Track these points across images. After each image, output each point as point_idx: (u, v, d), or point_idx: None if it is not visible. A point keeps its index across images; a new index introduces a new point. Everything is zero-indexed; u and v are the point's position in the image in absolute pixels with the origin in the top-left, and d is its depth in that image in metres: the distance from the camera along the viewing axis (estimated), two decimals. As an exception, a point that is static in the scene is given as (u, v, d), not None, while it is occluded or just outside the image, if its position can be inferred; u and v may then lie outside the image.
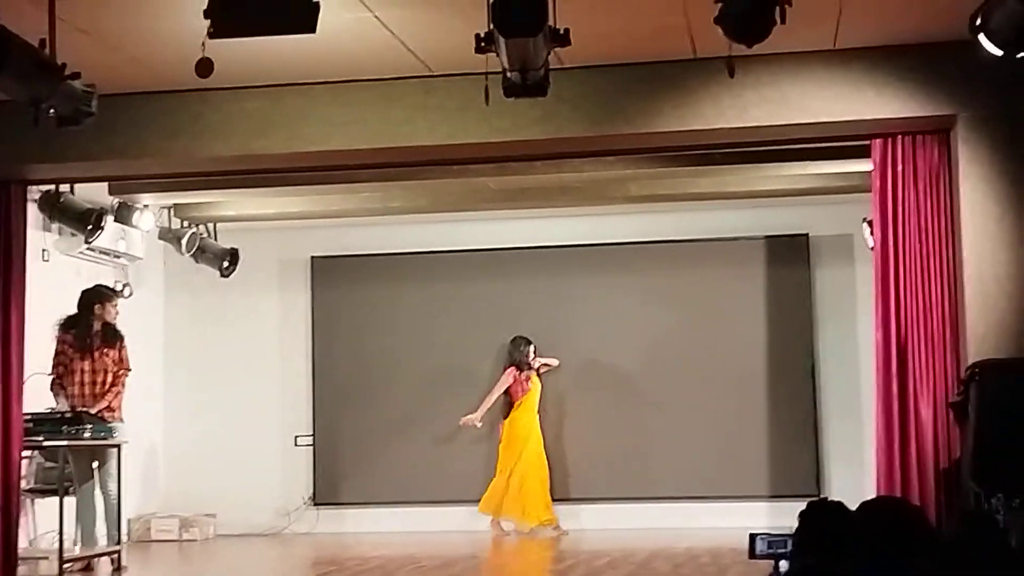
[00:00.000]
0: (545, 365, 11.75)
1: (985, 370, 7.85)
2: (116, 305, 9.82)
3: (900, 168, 8.48)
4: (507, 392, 11.63)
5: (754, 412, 11.69)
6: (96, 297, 9.73)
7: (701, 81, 8.21)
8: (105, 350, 9.59)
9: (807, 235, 11.78)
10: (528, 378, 11.64)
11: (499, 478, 11.50)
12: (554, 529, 11.37)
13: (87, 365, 9.55)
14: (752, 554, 4.80)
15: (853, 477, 10.66)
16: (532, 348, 11.66)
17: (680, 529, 11.08)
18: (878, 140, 8.55)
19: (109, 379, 9.56)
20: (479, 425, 11.62)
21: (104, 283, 10.27)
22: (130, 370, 9.71)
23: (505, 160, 9.27)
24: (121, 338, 9.72)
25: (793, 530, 4.52)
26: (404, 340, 12.19)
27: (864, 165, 8.95)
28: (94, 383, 9.53)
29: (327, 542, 11.38)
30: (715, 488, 11.55)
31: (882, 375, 8.41)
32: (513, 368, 11.66)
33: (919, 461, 8.19)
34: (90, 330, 9.60)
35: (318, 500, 12.16)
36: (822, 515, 4.51)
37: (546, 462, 11.59)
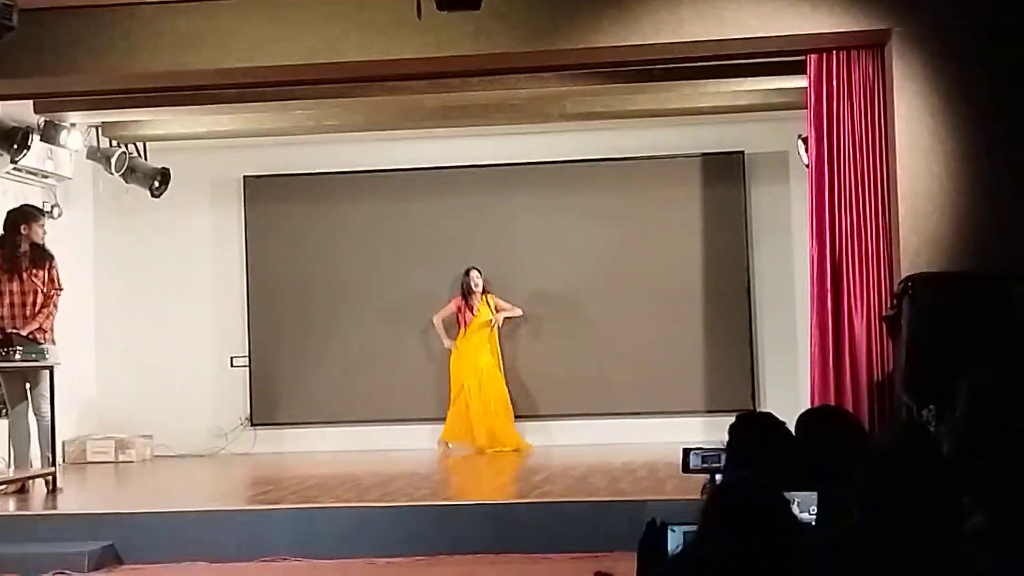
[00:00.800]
0: (502, 310, 11.66)
1: (918, 284, 7.94)
2: (43, 225, 9.64)
3: (835, 84, 8.50)
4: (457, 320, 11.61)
5: (690, 329, 11.76)
6: (22, 218, 9.54)
7: (638, -5, 8.15)
8: (34, 271, 9.43)
9: (743, 152, 11.80)
10: (471, 306, 11.58)
11: (452, 406, 11.49)
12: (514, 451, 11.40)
13: (16, 286, 9.40)
14: (686, 468, 4.82)
15: (788, 392, 10.77)
16: (476, 274, 11.58)
17: (618, 444, 11.16)
18: (813, 56, 8.57)
19: (39, 299, 9.42)
20: (447, 347, 11.60)
21: (31, 203, 10.06)
22: (62, 290, 9.56)
23: (439, 77, 9.18)
24: (51, 258, 9.55)
25: (725, 444, 4.55)
26: (339, 260, 12.12)
27: (800, 81, 8.96)
28: (24, 304, 9.39)
29: (265, 462, 11.36)
30: (652, 404, 11.64)
31: (817, 290, 8.48)
32: (458, 296, 11.62)
33: (853, 374, 8.30)
34: (17, 250, 9.43)
35: (255, 420, 12.13)
36: (752, 427, 4.54)
37: (502, 386, 11.57)
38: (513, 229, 12.00)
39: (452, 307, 11.63)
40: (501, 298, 11.76)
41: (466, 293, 11.59)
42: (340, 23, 8.38)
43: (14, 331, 9.13)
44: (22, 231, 9.47)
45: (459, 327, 11.61)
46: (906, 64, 8.20)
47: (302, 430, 12.08)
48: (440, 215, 12.05)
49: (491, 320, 11.58)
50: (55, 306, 9.51)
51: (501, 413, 11.50)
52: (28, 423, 9.34)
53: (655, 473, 8.94)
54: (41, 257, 9.50)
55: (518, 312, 11.75)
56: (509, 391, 11.66)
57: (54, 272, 9.53)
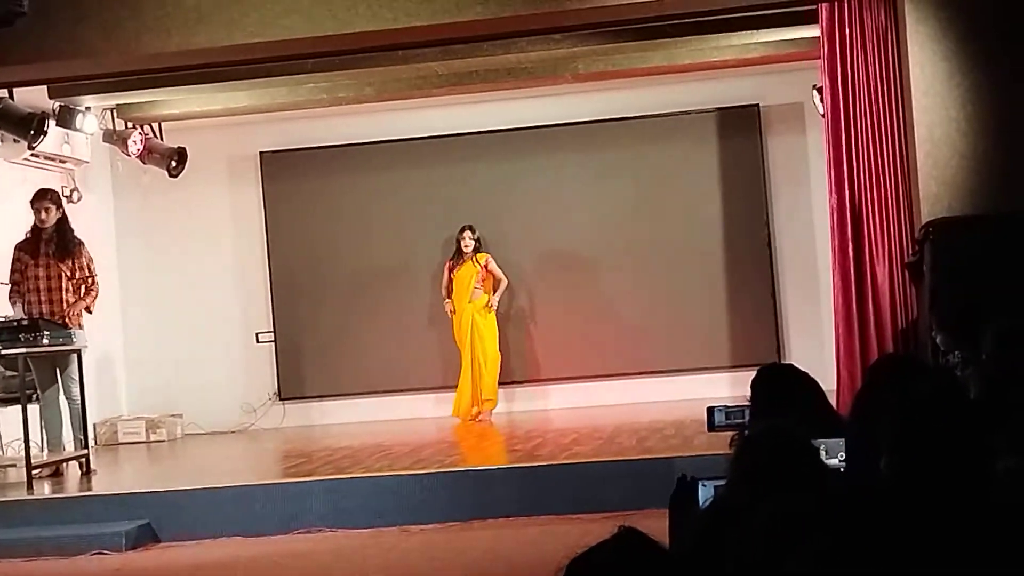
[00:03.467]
0: (491, 274, 11.52)
1: (939, 229, 7.89)
2: (48, 207, 9.56)
3: (848, 32, 8.45)
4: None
5: (712, 284, 11.72)
6: (30, 205, 9.59)
7: (646, -49, 8.08)
8: (59, 259, 9.48)
9: (758, 105, 11.72)
10: (458, 265, 11.48)
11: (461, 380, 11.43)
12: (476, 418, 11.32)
13: (41, 272, 9.46)
14: (711, 427, 4.82)
15: (813, 343, 10.75)
16: (469, 234, 11.43)
17: (644, 403, 11.18)
18: (825, 4, 8.52)
19: (65, 284, 9.46)
20: (448, 311, 11.50)
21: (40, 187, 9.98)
22: (95, 275, 9.62)
23: (449, 43, 9.13)
24: (79, 243, 9.60)
25: (748, 398, 4.54)
26: (358, 231, 12.11)
27: (812, 31, 8.90)
28: (49, 289, 9.44)
29: (295, 436, 11.41)
30: (677, 362, 11.62)
31: (838, 239, 8.46)
32: (448, 260, 11.58)
33: (877, 322, 8.28)
34: (39, 235, 9.49)
35: (283, 395, 12.16)
36: (774, 379, 4.53)
37: (487, 349, 11.41)
38: (531, 193, 11.96)
39: (444, 271, 11.56)
40: (515, 263, 11.71)
41: (455, 253, 11.53)
42: (348, -6, 8.34)
43: (41, 316, 9.19)
44: (34, 215, 9.53)
45: (449, 290, 11.52)
46: (918, 8, 8.12)
47: (330, 403, 12.11)
48: (456, 182, 12.02)
49: (475, 289, 11.40)
50: (96, 290, 9.60)
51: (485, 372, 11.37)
52: (59, 407, 9.39)
53: (683, 430, 8.94)
54: (69, 244, 9.54)
55: (502, 281, 11.54)
56: (508, 354, 11.56)
57: (83, 259, 9.57)
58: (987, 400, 4.53)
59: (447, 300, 11.50)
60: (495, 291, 11.50)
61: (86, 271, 9.59)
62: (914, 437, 3.14)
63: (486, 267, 11.49)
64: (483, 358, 11.34)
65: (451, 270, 11.49)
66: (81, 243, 9.64)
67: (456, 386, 11.49)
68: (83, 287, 9.58)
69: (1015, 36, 8.01)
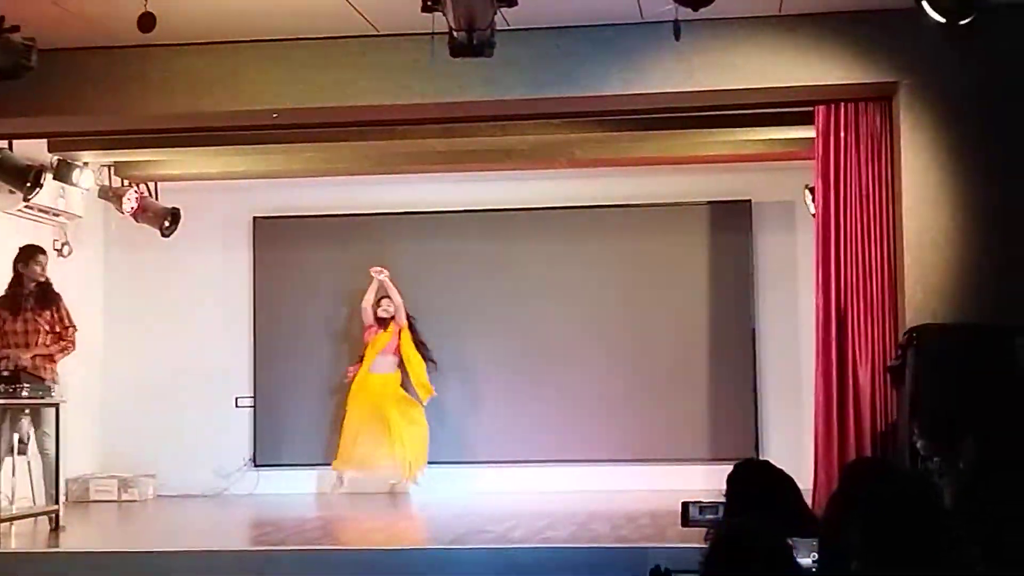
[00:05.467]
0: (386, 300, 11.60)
1: (923, 335, 7.96)
2: (40, 261, 9.62)
3: (843, 135, 8.58)
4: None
5: (694, 376, 11.76)
6: (18, 258, 9.59)
7: (647, 44, 8.25)
8: (39, 311, 9.48)
9: (750, 201, 11.83)
10: (377, 331, 11.58)
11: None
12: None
13: (19, 326, 9.44)
14: (685, 521, 4.84)
15: (792, 441, 10.74)
16: (385, 300, 11.57)
17: (620, 491, 11.15)
18: (822, 107, 8.65)
19: (42, 338, 9.45)
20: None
21: (29, 242, 9.92)
22: (74, 327, 9.63)
23: (449, 121, 9.27)
24: (58, 298, 9.61)
25: (723, 493, 4.58)
26: (346, 303, 12.13)
27: (807, 132, 9.03)
28: (27, 344, 9.43)
29: (267, 503, 11.35)
30: (655, 451, 11.61)
31: (821, 339, 8.52)
32: (371, 326, 11.64)
33: (856, 423, 8.32)
34: (20, 290, 9.48)
35: (258, 461, 12.12)
36: (750, 475, 4.57)
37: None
38: (519, 274, 12.00)
39: (367, 334, 11.62)
40: (497, 343, 11.81)
41: (377, 320, 11.58)
42: (351, 66, 8.47)
43: (24, 367, 9.18)
44: (20, 270, 9.52)
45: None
46: (914, 117, 8.27)
47: (304, 472, 12.05)
48: (446, 259, 12.07)
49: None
50: (72, 343, 9.58)
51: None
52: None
53: (658, 520, 8.93)
54: (48, 298, 9.55)
55: (396, 301, 11.58)
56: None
57: (62, 312, 9.58)
58: (962, 509, 4.57)
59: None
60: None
61: (66, 321, 9.59)
62: (884, 541, 3.18)
63: (399, 334, 11.54)
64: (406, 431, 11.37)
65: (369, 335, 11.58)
66: (59, 296, 9.65)
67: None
68: (60, 339, 9.55)
69: (1009, 151, 8.14)
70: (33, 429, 9.29)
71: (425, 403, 11.58)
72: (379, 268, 11.62)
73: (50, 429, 9.26)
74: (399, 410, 11.45)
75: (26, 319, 9.45)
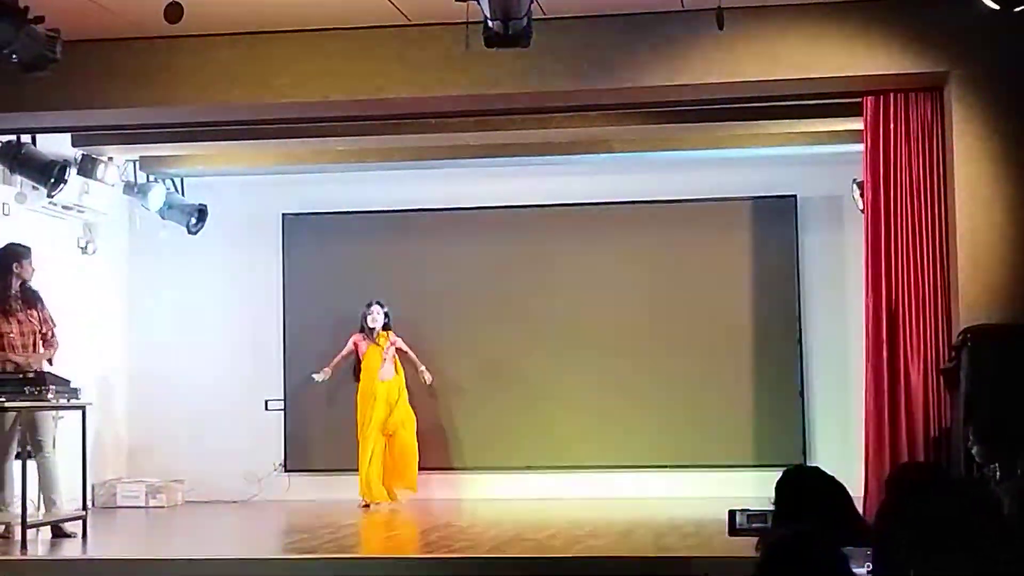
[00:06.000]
0: (402, 352, 11.57)
1: (977, 336, 7.87)
2: (32, 262, 9.58)
3: (892, 127, 8.50)
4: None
5: (739, 379, 11.69)
6: (13, 257, 9.49)
7: (690, 34, 8.20)
8: (28, 310, 9.46)
9: (795, 196, 11.75)
10: (368, 343, 11.51)
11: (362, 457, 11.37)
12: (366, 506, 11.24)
13: (15, 327, 9.41)
14: (732, 530, 4.79)
15: (841, 446, 10.68)
16: (376, 310, 11.48)
17: (663, 499, 11.09)
18: (870, 98, 8.57)
19: (37, 339, 9.44)
20: (316, 379, 11.54)
21: (17, 242, 9.70)
22: (55, 326, 9.58)
23: (484, 114, 9.24)
24: (40, 297, 9.55)
25: (772, 501, 4.52)
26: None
27: (855, 123, 8.95)
28: (24, 346, 9.39)
29: (299, 509, 11.35)
30: (699, 457, 11.55)
31: (872, 340, 8.44)
32: (357, 333, 11.57)
33: (908, 428, 8.24)
34: (9, 291, 9.39)
35: (289, 466, 12.13)
36: (799, 483, 4.51)
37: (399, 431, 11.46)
38: (556, 271, 11.97)
39: (349, 343, 11.54)
40: (536, 342, 11.77)
41: (364, 329, 11.52)
42: (383, 58, 8.45)
43: (49, 371, 9.17)
44: (14, 270, 9.44)
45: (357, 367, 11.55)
46: (965, 107, 8.17)
47: (336, 477, 12.04)
48: (480, 255, 12.04)
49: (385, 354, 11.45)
50: (57, 343, 9.56)
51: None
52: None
53: (703, 530, 8.88)
54: (34, 296, 9.52)
55: (427, 378, 11.59)
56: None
57: (47, 312, 9.55)
58: (1021, 516, 4.51)
59: (325, 369, 11.56)
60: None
61: (50, 322, 9.57)
62: (942, 552, 3.12)
63: (394, 345, 11.51)
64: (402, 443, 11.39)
65: (363, 346, 11.52)
66: (40, 294, 9.62)
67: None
68: (45, 339, 9.52)
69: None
70: (31, 433, 9.24)
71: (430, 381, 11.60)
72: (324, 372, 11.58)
73: (46, 435, 9.24)
74: (399, 419, 11.44)
75: (20, 320, 9.40)
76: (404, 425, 11.48)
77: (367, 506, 11.20)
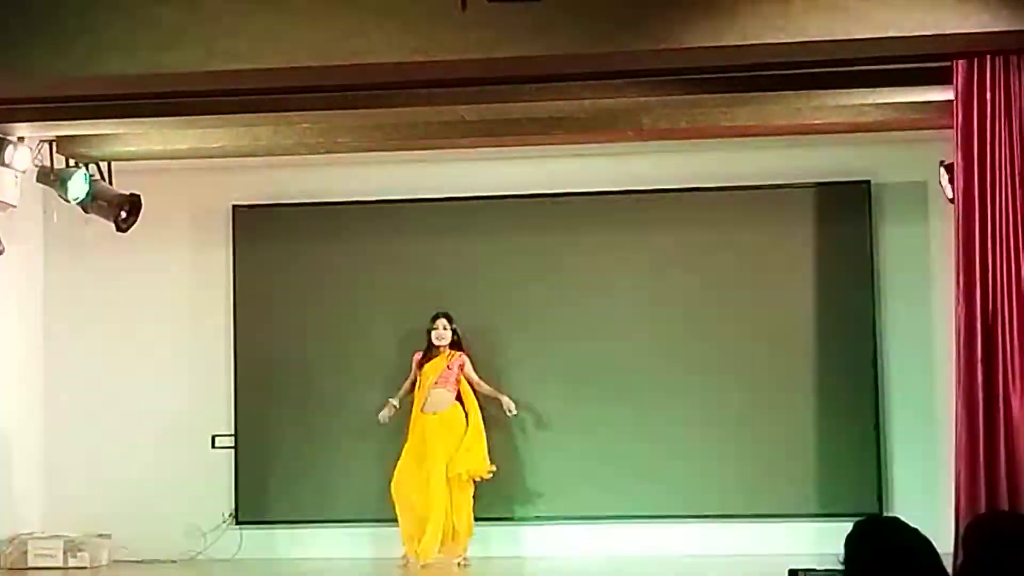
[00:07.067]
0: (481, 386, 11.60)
1: (1094, 354, 7.94)
2: None
3: (989, 96, 8.55)
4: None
5: (799, 409, 11.73)
6: None
7: (738, -16, 8.25)
8: None
9: (868, 182, 11.82)
10: (428, 359, 11.57)
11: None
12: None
13: None
14: (794, 594, 4.89)
15: (925, 492, 10.76)
16: (442, 324, 11.54)
17: (711, 556, 11.16)
18: (961, 62, 8.62)
19: None
20: (381, 419, 11.59)
21: None
22: None
23: (486, 83, 9.27)
24: None
25: (841, 560, 4.59)
26: (351, 313, 12.17)
27: (944, 93, 9.01)
28: None
29: (253, 570, 11.43)
30: (750, 505, 11.61)
31: (964, 359, 8.49)
32: (418, 352, 11.67)
33: (1009, 468, 8.29)
34: None
35: (241, 518, 12.18)
36: (876, 538, 4.58)
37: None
38: (570, 277, 12.03)
39: (413, 364, 11.62)
40: (546, 371, 11.85)
41: (428, 347, 11.60)
42: (360, 15, 8.50)
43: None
44: None
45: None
46: (1081, 70, 8.25)
47: (298, 530, 12.11)
48: (479, 258, 12.11)
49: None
50: None
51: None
52: None
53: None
54: None
55: (511, 409, 11.60)
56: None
57: None
58: None
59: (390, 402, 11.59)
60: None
61: None
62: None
63: (461, 368, 11.56)
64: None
65: (420, 365, 11.58)
66: None
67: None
68: None
69: None
70: None
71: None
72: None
73: None
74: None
75: None
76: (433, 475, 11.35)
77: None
